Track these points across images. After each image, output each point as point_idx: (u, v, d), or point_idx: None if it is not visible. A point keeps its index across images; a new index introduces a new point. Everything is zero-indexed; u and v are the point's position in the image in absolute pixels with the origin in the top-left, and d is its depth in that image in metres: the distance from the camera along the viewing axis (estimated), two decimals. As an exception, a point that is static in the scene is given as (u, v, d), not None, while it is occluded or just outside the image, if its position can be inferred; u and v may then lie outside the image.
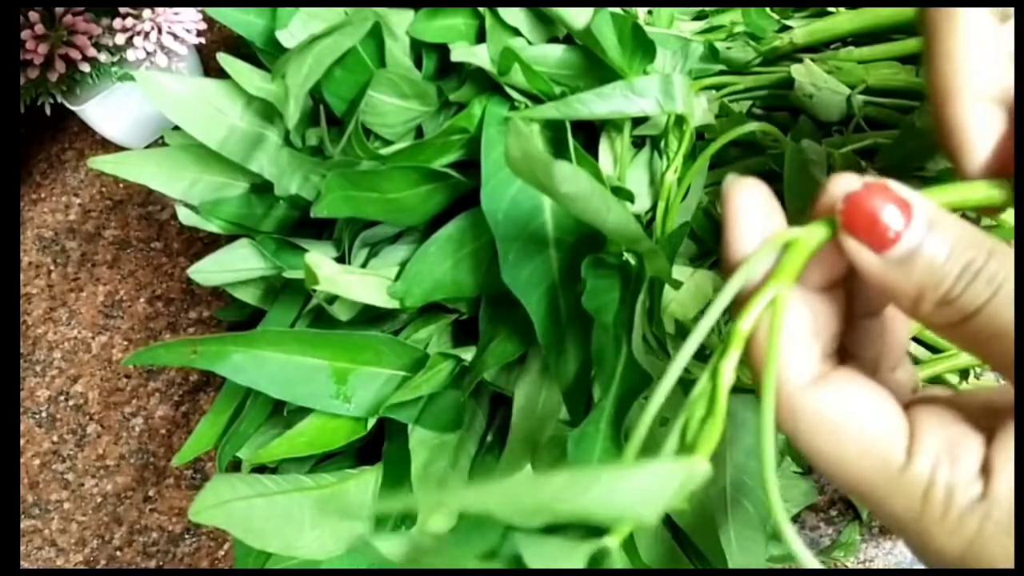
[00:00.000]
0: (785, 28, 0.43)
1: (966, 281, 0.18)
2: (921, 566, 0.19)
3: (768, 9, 0.43)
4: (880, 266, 0.18)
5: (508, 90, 0.40)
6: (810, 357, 0.20)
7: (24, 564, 0.49)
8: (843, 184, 0.19)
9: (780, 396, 0.19)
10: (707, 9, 0.44)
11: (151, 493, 0.50)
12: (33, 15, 0.46)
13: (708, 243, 0.41)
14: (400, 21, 0.41)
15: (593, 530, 0.18)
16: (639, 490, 0.17)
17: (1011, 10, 0.20)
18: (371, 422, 0.39)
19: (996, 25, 0.20)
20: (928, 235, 0.18)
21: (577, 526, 0.18)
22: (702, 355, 0.41)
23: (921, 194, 0.19)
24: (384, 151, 0.40)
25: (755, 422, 0.40)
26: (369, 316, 0.40)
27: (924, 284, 0.18)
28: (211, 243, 0.48)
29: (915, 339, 0.41)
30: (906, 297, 0.19)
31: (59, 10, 0.47)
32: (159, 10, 0.48)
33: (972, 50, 0.20)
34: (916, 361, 0.43)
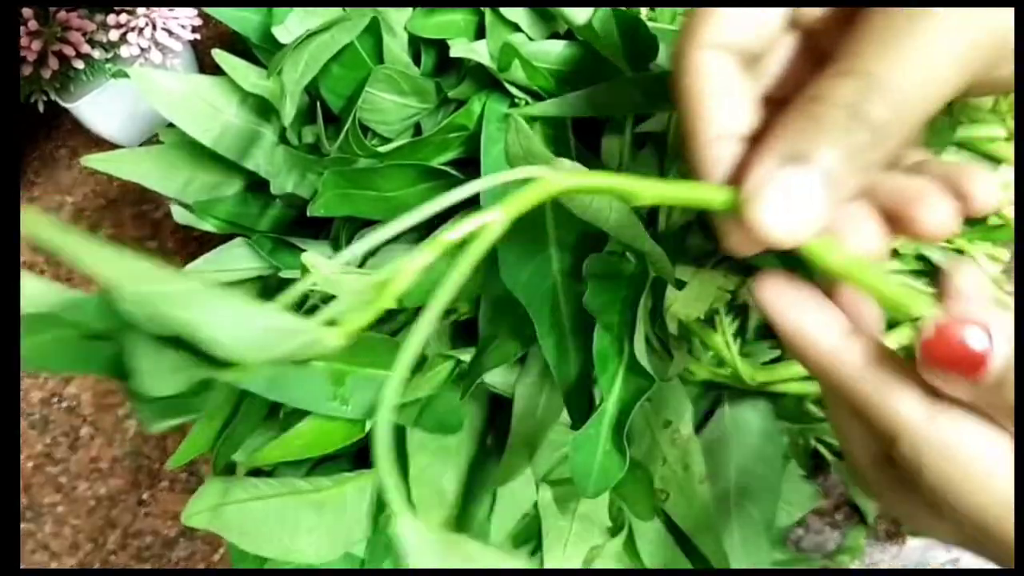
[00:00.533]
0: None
1: None
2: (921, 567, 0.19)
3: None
4: (975, 393, 0.19)
5: (508, 87, 0.39)
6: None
7: (16, 568, 0.49)
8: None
9: (902, 425, 0.20)
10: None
11: (145, 496, 0.50)
12: (27, 12, 0.46)
13: (712, 242, 0.41)
14: (398, 18, 0.40)
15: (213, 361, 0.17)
16: (230, 321, 0.16)
17: (760, 55, 0.24)
18: (368, 425, 0.39)
19: (738, 73, 0.23)
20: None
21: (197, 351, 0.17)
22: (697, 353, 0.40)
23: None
24: (382, 149, 0.39)
25: (758, 425, 0.39)
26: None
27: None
28: (206, 242, 0.47)
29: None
30: (1004, 414, 0.19)
31: (53, 7, 0.47)
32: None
33: (712, 98, 0.22)
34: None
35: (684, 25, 0.23)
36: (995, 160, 0.41)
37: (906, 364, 0.20)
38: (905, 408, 0.19)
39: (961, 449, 0.19)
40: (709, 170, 0.22)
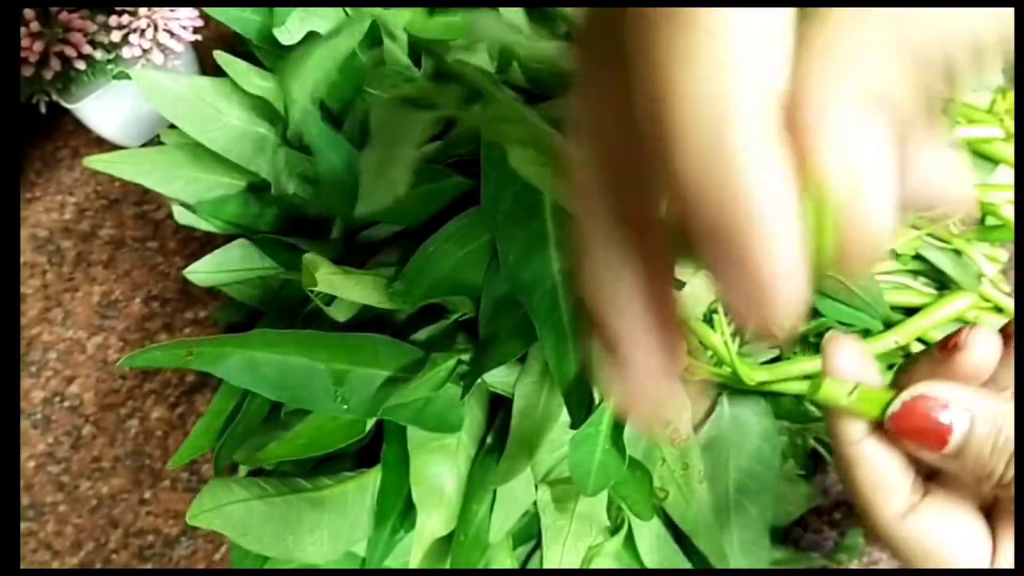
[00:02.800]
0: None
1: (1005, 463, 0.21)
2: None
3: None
4: (939, 460, 0.21)
5: (507, 89, 0.39)
6: (903, 492, 0.23)
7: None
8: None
9: (880, 527, 0.23)
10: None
11: (147, 496, 0.50)
12: (28, 13, 0.46)
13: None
14: (399, 21, 0.41)
15: None
16: None
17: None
18: (369, 424, 0.39)
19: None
20: (972, 427, 0.21)
21: None
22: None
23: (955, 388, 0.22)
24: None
25: (756, 424, 0.40)
26: (367, 317, 0.40)
27: (977, 472, 0.21)
28: (207, 243, 0.47)
29: (920, 340, 0.41)
30: (971, 478, 0.22)
31: (54, 7, 0.47)
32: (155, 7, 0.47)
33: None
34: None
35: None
36: (993, 160, 0.41)
37: None
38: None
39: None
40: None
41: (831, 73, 0.14)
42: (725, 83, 0.13)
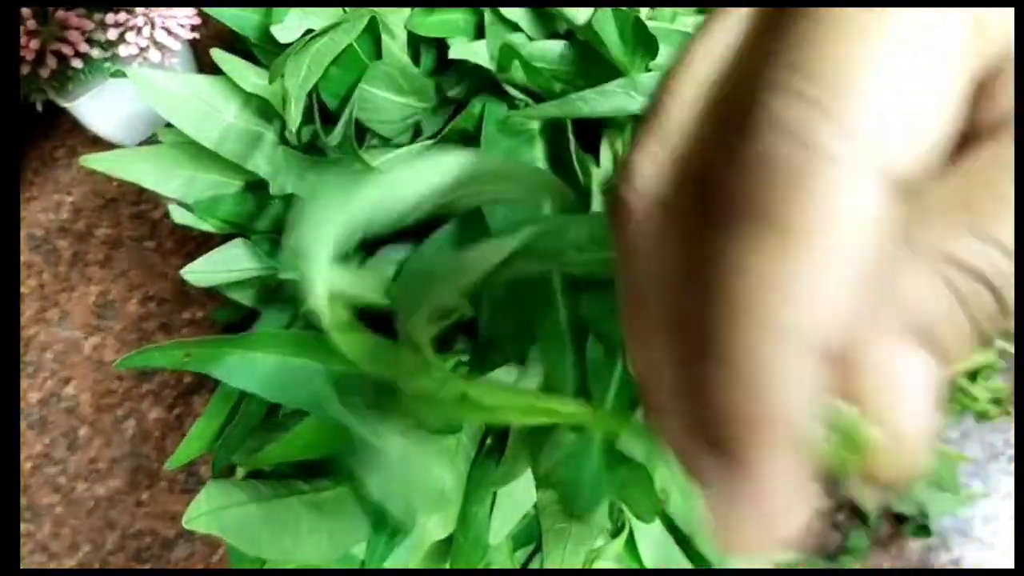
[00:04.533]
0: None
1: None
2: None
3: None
4: None
5: (507, 88, 0.39)
6: None
7: (15, 569, 0.49)
8: None
9: None
10: (710, 5, 0.43)
11: (144, 497, 0.50)
12: (25, 11, 0.45)
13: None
14: (398, 19, 0.40)
15: None
16: None
17: None
18: (368, 425, 0.39)
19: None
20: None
21: None
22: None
23: None
24: (378, 161, 0.39)
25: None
26: (366, 318, 0.40)
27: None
28: (205, 243, 0.47)
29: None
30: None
31: (51, 6, 0.46)
32: (152, 5, 0.47)
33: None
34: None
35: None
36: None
37: None
38: None
39: None
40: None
41: (879, 302, 0.13)
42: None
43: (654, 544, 0.39)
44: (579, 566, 0.38)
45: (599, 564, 0.38)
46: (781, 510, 0.13)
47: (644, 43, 0.37)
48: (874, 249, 0.13)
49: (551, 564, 0.38)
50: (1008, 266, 0.13)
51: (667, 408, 0.16)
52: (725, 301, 0.13)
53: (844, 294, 0.13)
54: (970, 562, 0.43)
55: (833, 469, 0.14)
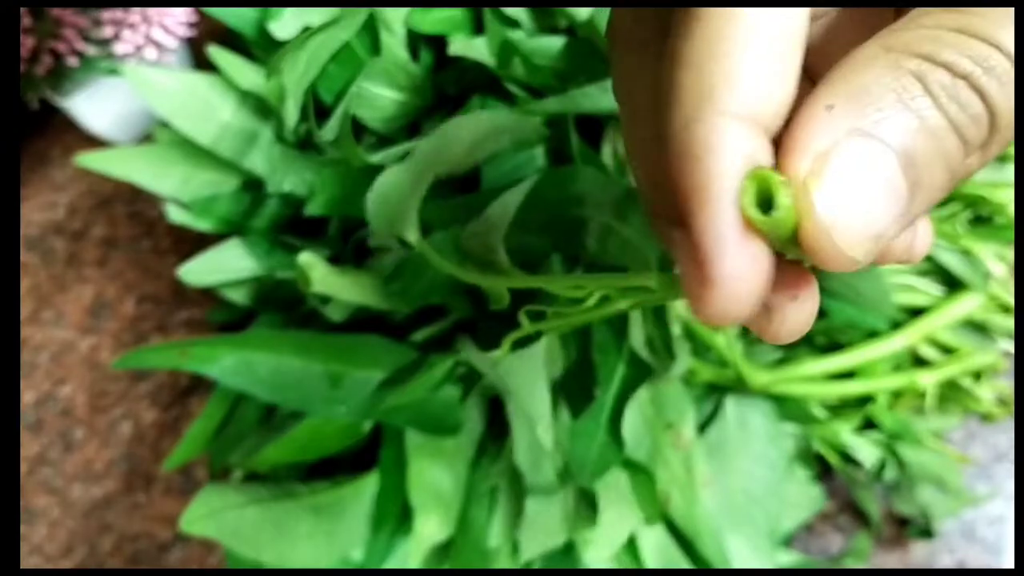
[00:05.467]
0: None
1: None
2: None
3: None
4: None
5: (507, 85, 0.39)
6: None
7: (9, 572, 0.48)
8: None
9: None
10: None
11: (140, 499, 0.49)
12: (21, 9, 0.45)
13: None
14: (397, 16, 0.40)
15: None
16: None
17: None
18: (367, 427, 0.38)
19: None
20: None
21: None
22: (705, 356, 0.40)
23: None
24: (375, 158, 0.38)
25: (762, 428, 0.39)
26: (364, 317, 0.39)
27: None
28: (201, 242, 0.47)
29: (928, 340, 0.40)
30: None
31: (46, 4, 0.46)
32: (148, 2, 0.47)
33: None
34: (927, 363, 0.42)
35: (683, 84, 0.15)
36: (1000, 157, 0.40)
37: None
38: None
39: None
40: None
41: (862, 107, 0.14)
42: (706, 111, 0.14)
43: (656, 546, 0.38)
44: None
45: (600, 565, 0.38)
46: (729, 273, 0.14)
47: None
48: (798, 39, 0.15)
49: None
50: (1006, 66, 0.14)
51: (661, 212, 0.19)
52: (668, 91, 0.15)
53: (767, 72, 0.14)
54: (973, 565, 0.43)
55: (773, 241, 0.14)
